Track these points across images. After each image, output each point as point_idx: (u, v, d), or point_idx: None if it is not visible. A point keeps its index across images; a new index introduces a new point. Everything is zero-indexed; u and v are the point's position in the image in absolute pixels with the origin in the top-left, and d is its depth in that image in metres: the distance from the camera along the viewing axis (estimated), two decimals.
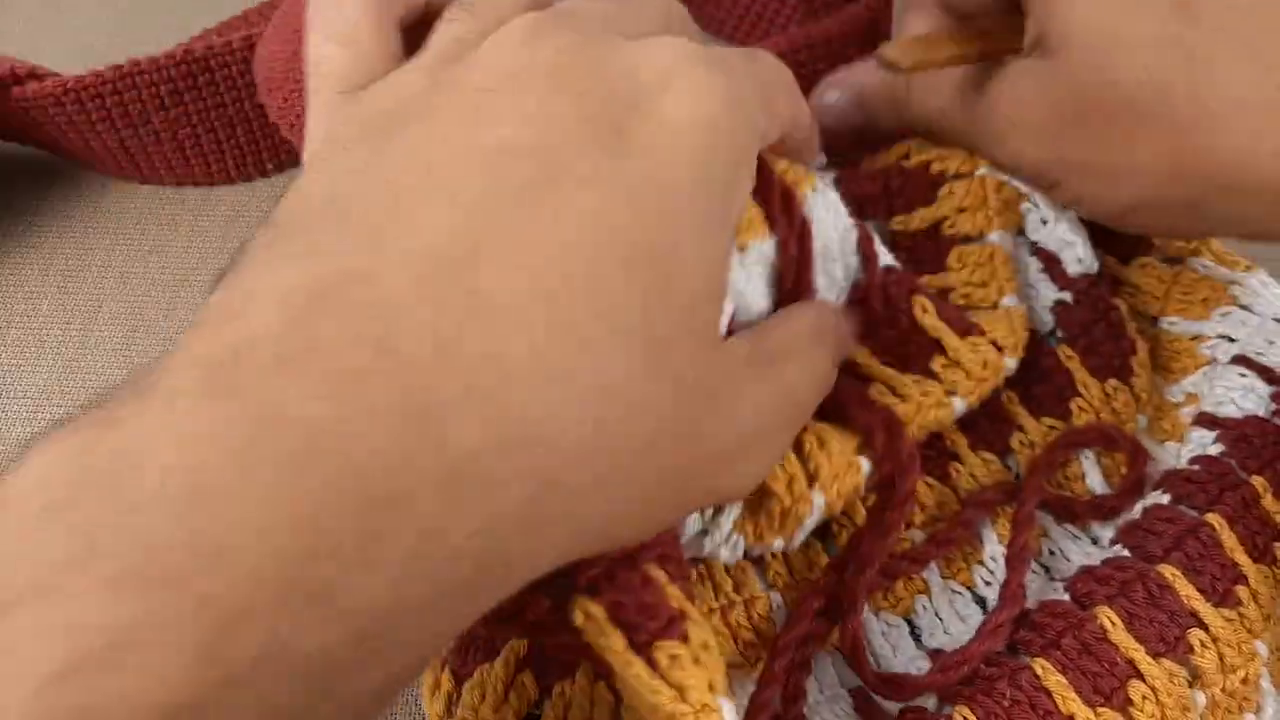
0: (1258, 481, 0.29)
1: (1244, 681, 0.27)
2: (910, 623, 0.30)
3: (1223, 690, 0.27)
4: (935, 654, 0.29)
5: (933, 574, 0.30)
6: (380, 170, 0.21)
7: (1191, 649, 0.27)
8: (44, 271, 0.41)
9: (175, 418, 0.16)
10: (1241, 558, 0.29)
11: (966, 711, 0.27)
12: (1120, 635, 0.27)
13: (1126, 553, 0.29)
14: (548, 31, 0.23)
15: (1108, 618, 0.28)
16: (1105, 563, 0.29)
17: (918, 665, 0.29)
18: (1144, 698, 0.26)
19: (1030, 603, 0.29)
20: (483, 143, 0.21)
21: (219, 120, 0.41)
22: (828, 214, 0.28)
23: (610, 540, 0.22)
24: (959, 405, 0.30)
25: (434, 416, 0.17)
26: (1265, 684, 0.27)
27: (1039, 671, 0.27)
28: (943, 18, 0.33)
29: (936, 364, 0.30)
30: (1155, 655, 0.27)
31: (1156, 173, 0.29)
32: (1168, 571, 0.28)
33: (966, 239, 0.33)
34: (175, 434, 0.16)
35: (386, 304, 0.18)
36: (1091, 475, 0.32)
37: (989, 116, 0.31)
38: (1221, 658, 0.27)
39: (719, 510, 0.27)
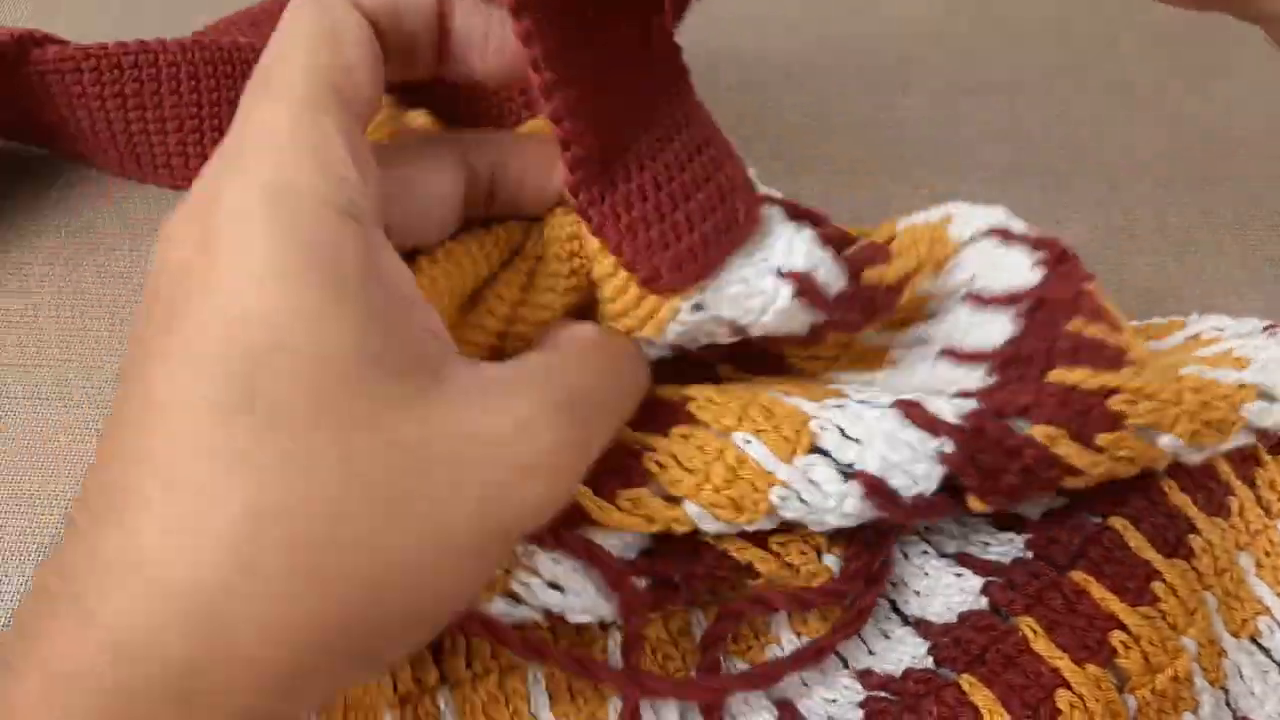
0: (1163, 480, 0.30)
1: (1175, 679, 0.27)
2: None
3: (1152, 691, 0.27)
4: (863, 674, 0.30)
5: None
6: None
7: (1115, 652, 0.27)
8: (44, 272, 0.41)
9: None
10: (1152, 554, 0.29)
11: None
12: (1043, 645, 0.27)
13: (1033, 555, 0.29)
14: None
15: (1029, 627, 0.28)
16: (1016, 563, 0.29)
17: (845, 686, 0.29)
18: (1072, 706, 0.27)
19: (952, 616, 0.29)
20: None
21: (227, 118, 0.40)
22: None
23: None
24: None
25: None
26: (1199, 680, 0.28)
27: (965, 687, 0.27)
28: None
29: None
30: (1079, 662, 0.27)
31: None
32: (1078, 577, 0.28)
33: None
34: None
35: None
36: None
37: None
38: (1146, 657, 0.27)
39: None
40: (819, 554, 0.29)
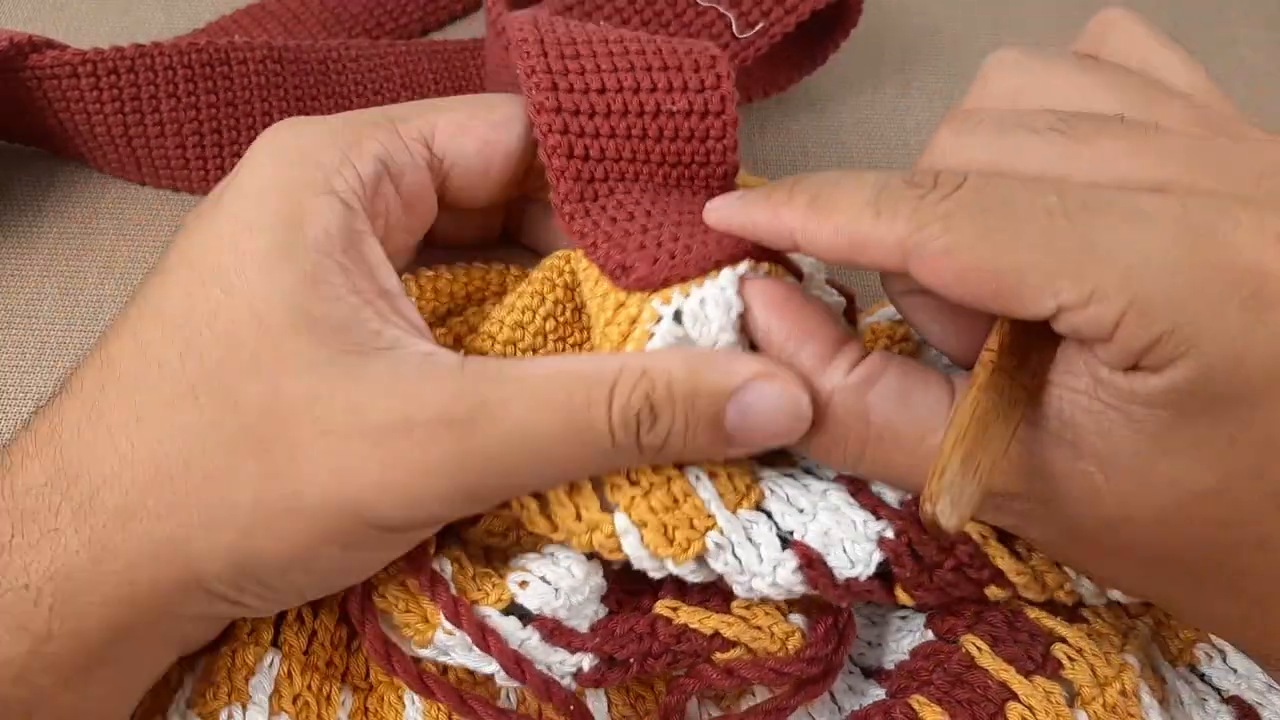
0: None
1: (1124, 694, 0.27)
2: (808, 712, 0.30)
3: (1103, 705, 0.27)
4: None
5: None
6: None
7: (1060, 664, 0.27)
8: (44, 272, 0.42)
9: None
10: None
11: None
12: (988, 659, 0.27)
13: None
14: None
15: (973, 644, 0.28)
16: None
17: None
18: (1023, 718, 0.26)
19: (904, 654, 0.29)
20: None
21: (225, 120, 0.41)
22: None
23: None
24: None
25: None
26: (1147, 698, 0.28)
27: (914, 705, 0.27)
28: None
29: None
30: (1027, 674, 0.27)
31: None
32: (1013, 603, 0.29)
33: None
34: None
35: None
36: None
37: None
38: (1093, 669, 0.27)
39: None
40: (784, 616, 0.29)
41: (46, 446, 0.25)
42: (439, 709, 0.29)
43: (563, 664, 0.28)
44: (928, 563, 0.27)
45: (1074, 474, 0.24)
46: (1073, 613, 0.29)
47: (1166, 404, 0.23)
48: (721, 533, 0.27)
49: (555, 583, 0.27)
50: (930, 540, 0.27)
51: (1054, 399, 0.24)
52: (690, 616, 0.28)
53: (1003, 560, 0.27)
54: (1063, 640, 0.28)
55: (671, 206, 0.29)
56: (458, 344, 0.30)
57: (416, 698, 0.29)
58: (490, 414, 0.24)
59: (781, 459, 0.30)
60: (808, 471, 0.29)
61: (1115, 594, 0.28)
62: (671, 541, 0.26)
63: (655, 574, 0.27)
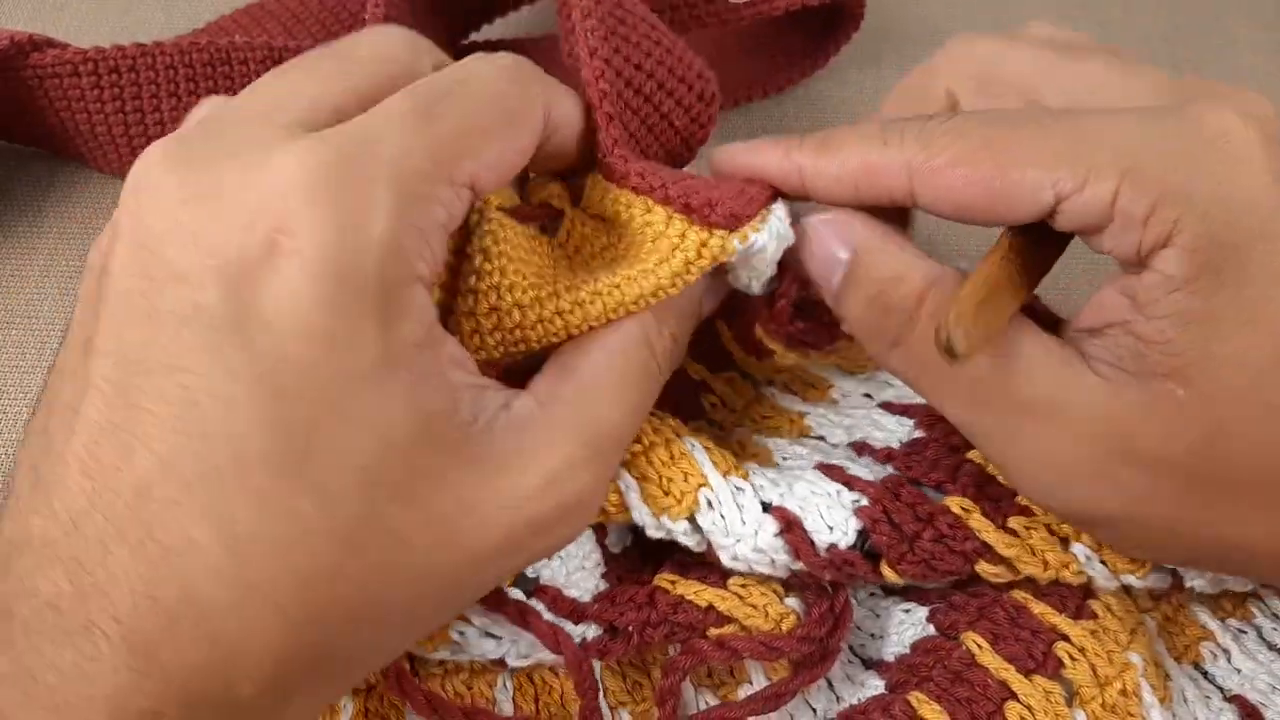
0: None
1: (1124, 694, 0.27)
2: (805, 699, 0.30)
3: (1102, 705, 0.27)
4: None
5: None
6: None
7: (1061, 663, 0.27)
8: (44, 272, 0.42)
9: None
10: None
11: None
12: (989, 658, 0.28)
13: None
14: (155, 182, 0.23)
15: (974, 641, 0.28)
16: (955, 587, 0.30)
17: None
18: (1021, 718, 0.27)
19: (904, 648, 0.29)
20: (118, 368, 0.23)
21: None
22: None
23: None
24: None
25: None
26: (1148, 697, 0.28)
27: (913, 703, 0.27)
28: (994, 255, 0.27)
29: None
30: (1026, 673, 0.27)
31: None
32: (1018, 595, 0.29)
33: None
34: None
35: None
36: None
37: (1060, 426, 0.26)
38: (1094, 669, 0.27)
39: None
40: (780, 599, 0.29)
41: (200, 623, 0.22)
42: None
43: (569, 636, 0.28)
44: (906, 531, 0.28)
45: (1160, 402, 0.24)
46: (1081, 605, 0.29)
47: (1191, 276, 0.24)
48: (712, 489, 0.28)
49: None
50: (904, 510, 0.28)
51: (1110, 346, 0.25)
52: (687, 589, 0.29)
53: (988, 534, 0.28)
54: (1065, 638, 0.28)
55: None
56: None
57: None
58: (600, 432, 0.26)
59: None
60: (786, 459, 0.31)
61: (1128, 579, 0.28)
62: (667, 494, 0.28)
63: (653, 532, 0.29)
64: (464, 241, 0.26)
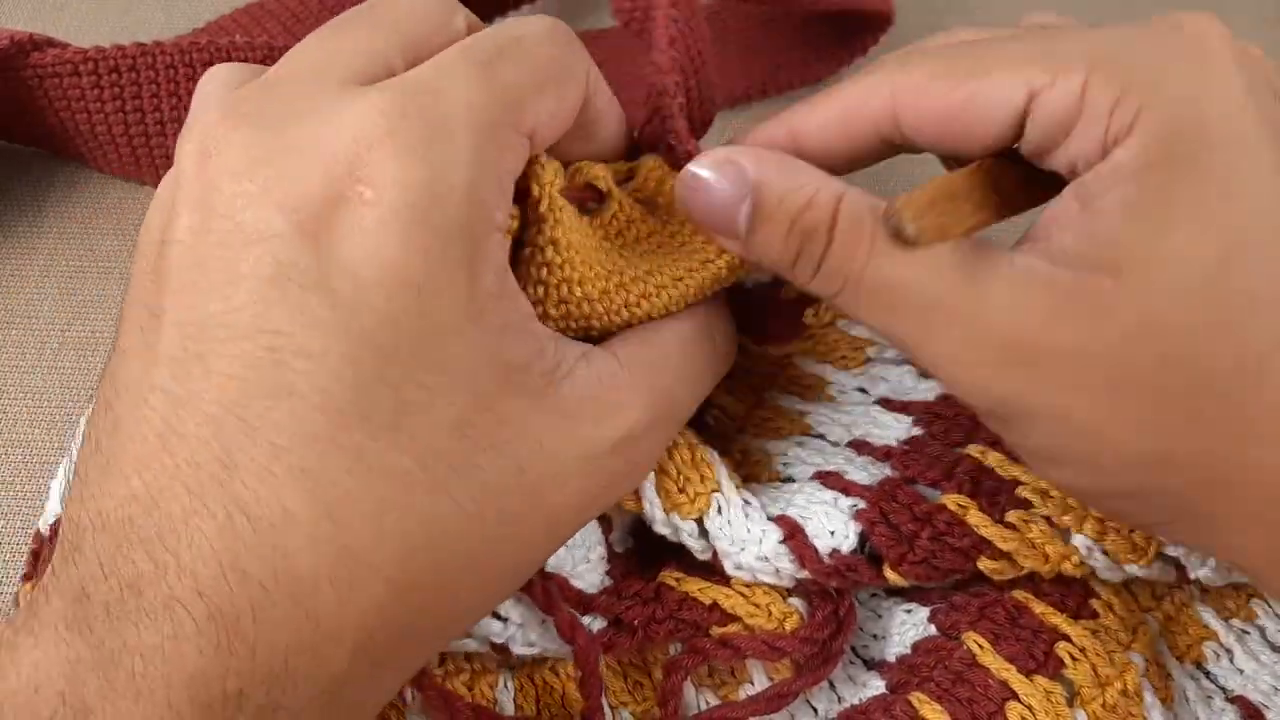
0: None
1: (1124, 694, 0.27)
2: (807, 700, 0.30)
3: (1103, 705, 0.27)
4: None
5: None
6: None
7: (1062, 663, 0.27)
8: (45, 272, 0.42)
9: (56, 650, 0.20)
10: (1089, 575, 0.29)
11: None
12: (989, 658, 0.28)
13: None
14: (221, 145, 0.23)
15: (975, 642, 0.28)
16: (957, 587, 0.30)
17: None
18: (1023, 719, 0.27)
19: (905, 648, 0.29)
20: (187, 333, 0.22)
21: None
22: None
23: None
24: None
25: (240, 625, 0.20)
26: (1150, 697, 0.28)
27: (914, 703, 0.27)
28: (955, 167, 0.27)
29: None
30: (1027, 673, 0.27)
31: None
32: (1019, 595, 0.29)
33: None
34: (59, 662, 0.20)
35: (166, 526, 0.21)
36: None
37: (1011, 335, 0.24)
38: (1094, 669, 0.27)
39: None
40: (783, 599, 0.29)
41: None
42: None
43: (582, 623, 0.29)
44: (904, 531, 0.28)
45: (1083, 293, 0.23)
46: (1082, 604, 0.29)
47: (1146, 165, 0.23)
48: (725, 496, 0.29)
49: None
50: (901, 511, 0.28)
51: (1045, 249, 0.24)
52: (692, 585, 0.29)
53: (986, 529, 0.28)
54: (1066, 638, 0.28)
55: None
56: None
57: (417, 696, 0.29)
58: (672, 401, 0.27)
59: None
60: (786, 471, 0.31)
61: (1131, 568, 0.28)
62: (685, 491, 0.29)
63: (660, 528, 0.29)
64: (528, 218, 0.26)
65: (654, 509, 0.29)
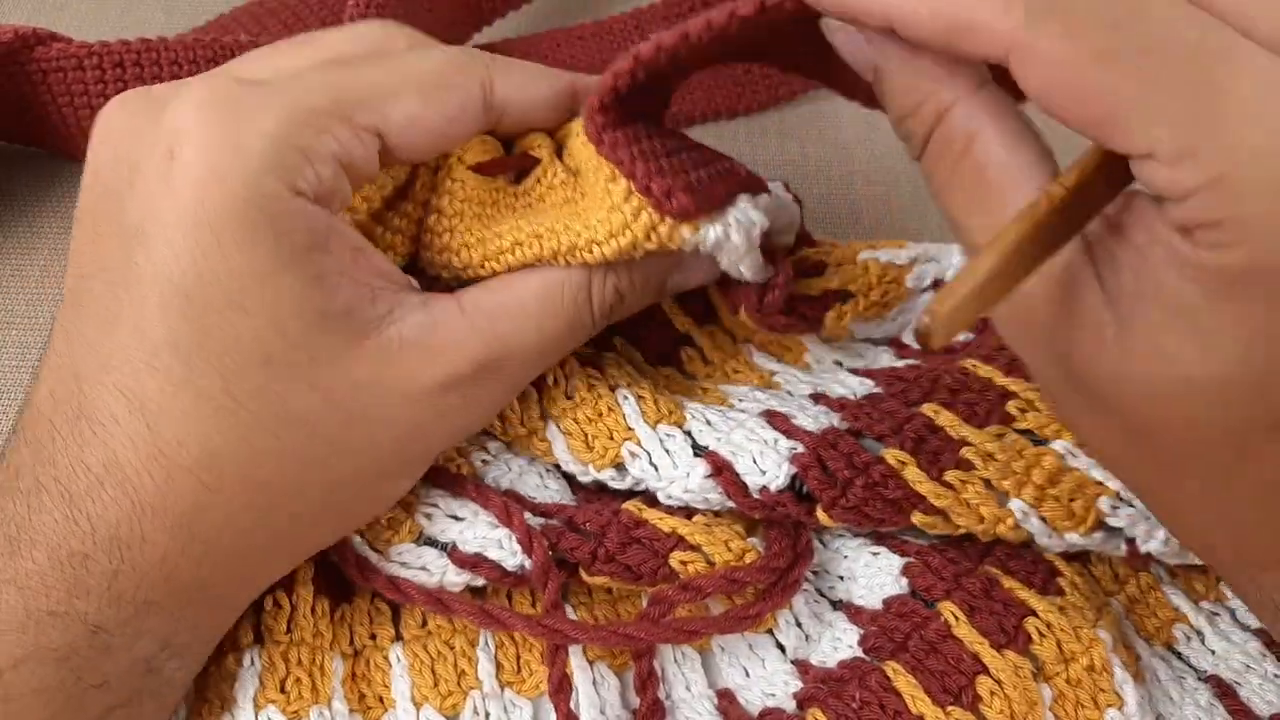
0: None
1: (1090, 669, 0.28)
2: (774, 635, 0.31)
3: (1067, 680, 0.28)
4: (801, 665, 0.31)
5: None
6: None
7: (1031, 639, 0.28)
8: (44, 272, 0.42)
9: None
10: (1052, 555, 0.30)
11: (819, 713, 0.29)
12: (964, 630, 0.28)
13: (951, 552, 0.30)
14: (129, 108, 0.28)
15: (950, 613, 0.29)
16: (932, 547, 0.30)
17: (783, 678, 0.30)
18: (991, 693, 0.27)
19: (877, 602, 0.30)
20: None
21: None
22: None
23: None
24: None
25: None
26: (1120, 672, 0.28)
27: (889, 674, 0.28)
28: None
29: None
30: (998, 648, 0.28)
31: None
32: (990, 569, 0.29)
33: None
34: None
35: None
36: None
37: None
38: (1059, 645, 0.28)
39: None
40: (742, 537, 0.30)
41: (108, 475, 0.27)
42: (422, 662, 0.30)
43: (520, 510, 0.30)
44: (839, 478, 0.29)
45: (1089, 316, 0.23)
46: (1048, 580, 0.29)
47: (1210, 280, 0.21)
48: (639, 443, 0.30)
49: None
50: (839, 459, 0.29)
51: (1110, 245, 0.23)
52: (652, 515, 0.30)
53: (922, 485, 0.28)
54: (1034, 614, 0.28)
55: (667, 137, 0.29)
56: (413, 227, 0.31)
57: (402, 655, 0.30)
58: (509, 347, 0.29)
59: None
60: (739, 404, 0.32)
61: (1071, 537, 0.29)
62: (591, 449, 0.30)
63: (582, 478, 0.31)
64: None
65: (570, 465, 0.31)
